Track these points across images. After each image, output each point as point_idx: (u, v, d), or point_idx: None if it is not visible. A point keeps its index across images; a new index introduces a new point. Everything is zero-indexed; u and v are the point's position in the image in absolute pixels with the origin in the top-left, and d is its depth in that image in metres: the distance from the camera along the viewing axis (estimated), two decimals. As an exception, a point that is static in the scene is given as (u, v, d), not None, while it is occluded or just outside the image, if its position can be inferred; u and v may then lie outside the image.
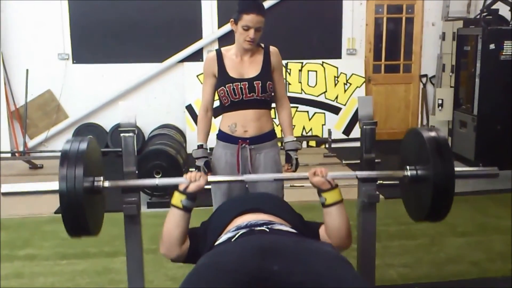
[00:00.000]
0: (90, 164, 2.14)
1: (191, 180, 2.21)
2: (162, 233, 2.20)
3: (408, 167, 2.38)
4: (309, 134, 7.23)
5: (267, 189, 2.83)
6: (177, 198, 2.19)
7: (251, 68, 2.82)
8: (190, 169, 2.34)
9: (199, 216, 2.38)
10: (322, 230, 2.25)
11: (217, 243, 1.97)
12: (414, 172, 2.35)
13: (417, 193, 2.38)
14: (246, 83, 2.77)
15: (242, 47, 2.78)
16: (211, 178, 2.37)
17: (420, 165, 2.31)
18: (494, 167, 2.47)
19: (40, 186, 2.25)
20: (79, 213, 2.06)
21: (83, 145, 2.12)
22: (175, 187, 2.25)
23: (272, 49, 2.88)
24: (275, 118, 3.03)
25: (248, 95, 2.78)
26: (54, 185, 2.09)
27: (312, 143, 7.25)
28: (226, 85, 2.77)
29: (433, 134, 2.28)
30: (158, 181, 2.37)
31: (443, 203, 2.23)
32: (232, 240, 1.87)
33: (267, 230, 1.90)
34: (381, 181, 4.71)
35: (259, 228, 1.92)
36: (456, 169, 2.23)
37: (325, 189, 2.22)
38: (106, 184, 2.24)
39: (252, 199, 2.38)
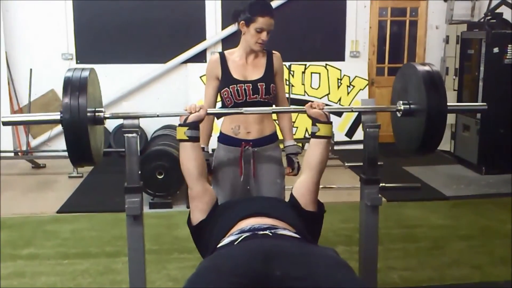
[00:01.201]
0: (92, 94, 2.18)
1: (191, 111, 2.35)
2: (181, 169, 2.33)
3: (401, 101, 2.46)
4: (312, 136, 7.20)
5: (270, 191, 2.83)
6: (181, 131, 2.33)
7: (255, 70, 2.82)
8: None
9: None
10: (295, 190, 2.36)
11: (220, 245, 1.97)
12: (407, 106, 2.43)
13: (409, 127, 2.45)
14: (250, 84, 2.78)
15: (251, 48, 2.78)
16: (210, 110, 2.48)
17: (414, 98, 2.38)
18: (483, 103, 2.59)
19: (43, 116, 2.30)
20: (83, 142, 2.12)
21: (85, 74, 2.15)
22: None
23: (275, 53, 2.90)
24: (275, 120, 3.03)
25: (252, 96, 2.78)
26: (57, 115, 2.11)
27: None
28: (230, 86, 2.78)
29: (426, 68, 2.32)
30: (159, 113, 2.44)
31: (435, 135, 2.32)
32: (235, 243, 1.87)
33: (270, 234, 1.90)
34: (383, 184, 4.71)
35: (262, 232, 1.91)
36: (448, 104, 2.30)
37: (321, 121, 2.38)
38: (107, 114, 2.32)
39: (257, 202, 2.39)
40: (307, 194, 2.32)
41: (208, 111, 2.42)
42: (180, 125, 2.35)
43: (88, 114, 2.13)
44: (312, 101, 2.43)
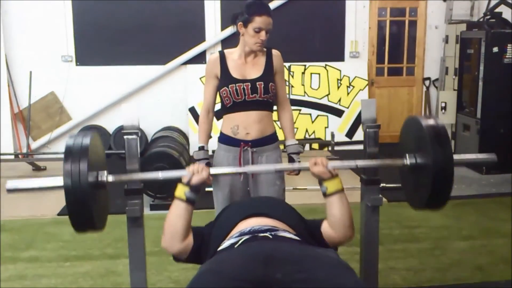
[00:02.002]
0: (94, 158, 2.15)
1: (193, 172, 2.23)
2: (164, 225, 2.20)
3: (407, 155, 2.38)
4: (312, 136, 7.22)
5: (270, 192, 2.83)
6: (181, 190, 2.21)
7: (254, 69, 2.82)
8: (192, 164, 2.34)
9: (200, 218, 2.38)
10: (324, 225, 2.24)
11: (220, 248, 1.97)
12: (414, 160, 2.36)
13: (417, 181, 2.39)
14: (249, 83, 2.77)
15: (250, 49, 2.78)
16: (213, 170, 2.37)
17: (419, 152, 2.33)
18: (492, 153, 2.49)
19: (45, 182, 2.25)
20: (85, 208, 2.06)
21: (87, 140, 2.13)
22: (179, 181, 2.26)
23: (275, 52, 2.89)
24: (276, 121, 3.03)
25: (251, 95, 2.78)
26: (59, 181, 2.10)
27: (315, 145, 7.25)
28: (229, 86, 2.77)
29: (431, 121, 2.30)
30: (161, 174, 2.37)
31: (443, 190, 2.25)
32: (235, 246, 1.86)
33: (270, 236, 1.89)
34: (384, 184, 4.71)
35: (262, 234, 1.91)
36: (455, 156, 2.25)
37: (326, 178, 2.24)
38: (110, 178, 2.25)
39: (257, 203, 2.38)
40: (333, 243, 2.22)
41: (211, 172, 2.31)
42: (182, 183, 2.24)
43: (90, 178, 2.07)
44: (315, 158, 2.29)
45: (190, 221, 2.20)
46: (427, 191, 2.25)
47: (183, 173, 2.25)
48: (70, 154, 2.08)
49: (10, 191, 2.20)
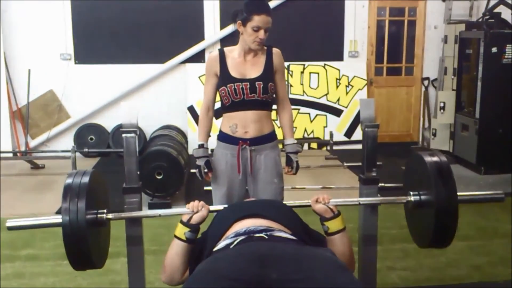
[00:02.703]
0: (93, 197, 2.15)
1: (193, 210, 2.24)
2: (164, 262, 2.23)
3: (411, 192, 2.37)
4: (311, 136, 7.22)
5: (268, 191, 2.83)
6: (181, 230, 2.22)
7: (253, 68, 2.81)
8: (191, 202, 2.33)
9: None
10: (330, 247, 2.20)
11: (215, 249, 1.97)
12: (418, 197, 2.34)
13: (421, 219, 2.36)
14: (248, 83, 2.77)
15: (249, 47, 2.78)
16: (212, 207, 2.36)
17: (423, 190, 2.30)
18: (499, 191, 2.47)
19: (44, 220, 2.28)
20: (82, 246, 2.07)
21: (86, 179, 2.13)
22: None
23: (275, 50, 2.88)
24: (276, 120, 3.03)
25: (250, 95, 2.77)
26: (58, 218, 2.10)
27: (314, 145, 7.25)
28: (228, 85, 2.77)
29: (435, 159, 2.28)
30: (161, 212, 2.38)
31: (447, 229, 2.22)
32: (231, 246, 1.86)
33: (266, 237, 1.89)
34: (382, 184, 4.71)
35: (258, 234, 1.91)
36: (459, 194, 2.22)
37: (328, 218, 2.24)
38: (110, 216, 2.25)
39: (252, 204, 2.38)
40: None
41: (210, 209, 2.31)
42: (182, 223, 2.24)
43: (89, 216, 2.07)
44: (317, 196, 2.29)
45: (189, 257, 2.22)
46: (430, 230, 2.23)
47: (183, 211, 2.27)
48: (69, 192, 2.08)
49: (10, 228, 2.23)
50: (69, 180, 2.13)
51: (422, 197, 2.31)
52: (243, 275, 1.55)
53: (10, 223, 2.21)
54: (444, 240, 2.27)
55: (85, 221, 2.04)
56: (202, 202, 2.28)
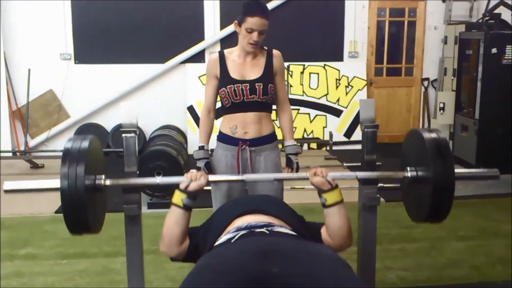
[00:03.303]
0: (92, 162, 2.15)
1: (191, 179, 2.23)
2: (162, 231, 2.20)
3: (408, 168, 2.38)
4: (310, 136, 7.23)
5: (267, 191, 2.83)
6: (178, 197, 2.21)
7: (253, 70, 2.81)
8: (191, 170, 2.33)
9: (199, 217, 2.38)
10: (323, 231, 2.25)
11: (216, 244, 1.97)
12: (415, 173, 2.35)
13: (418, 195, 2.38)
14: (248, 84, 2.77)
15: (245, 49, 2.78)
16: (212, 177, 2.37)
17: (421, 166, 2.32)
18: (494, 169, 2.48)
19: (42, 183, 2.27)
20: (80, 211, 2.07)
21: (85, 144, 2.13)
22: (176, 187, 2.25)
23: (275, 52, 2.88)
24: (275, 120, 3.03)
25: (249, 96, 2.77)
26: (56, 183, 2.10)
27: (313, 145, 7.25)
28: (227, 86, 2.77)
29: (433, 135, 2.29)
30: (159, 179, 2.37)
31: (443, 204, 2.24)
32: (232, 241, 1.87)
33: (267, 232, 1.90)
34: (381, 184, 4.71)
35: (259, 230, 1.91)
36: (456, 170, 2.24)
37: (326, 190, 2.24)
38: (108, 182, 2.25)
39: (253, 200, 2.38)
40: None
41: (209, 179, 2.32)
42: (179, 190, 2.24)
43: (87, 182, 2.07)
44: (315, 169, 2.30)
45: (187, 226, 2.20)
46: (427, 205, 2.24)
47: (182, 179, 2.25)
48: (68, 157, 2.08)
49: (7, 191, 2.21)
50: (69, 145, 2.13)
51: (419, 172, 2.32)
52: (244, 270, 1.56)
53: (7, 186, 2.21)
54: (440, 215, 2.29)
55: (84, 186, 2.04)
56: (201, 173, 2.28)
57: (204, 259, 1.75)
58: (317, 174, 2.26)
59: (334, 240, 2.21)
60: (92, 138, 2.21)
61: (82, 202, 2.05)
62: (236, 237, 1.88)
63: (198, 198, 2.24)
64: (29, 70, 6.68)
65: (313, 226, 2.27)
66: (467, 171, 2.45)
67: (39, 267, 3.60)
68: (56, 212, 4.66)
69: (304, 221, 2.27)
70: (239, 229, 1.96)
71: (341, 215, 2.22)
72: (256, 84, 2.77)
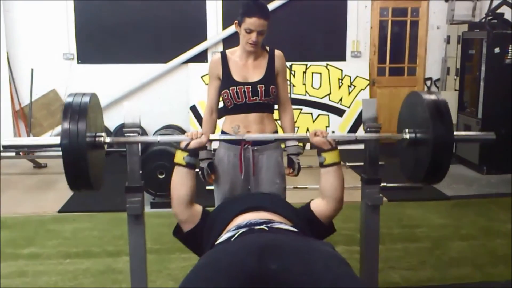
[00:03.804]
0: (93, 119, 2.16)
1: (192, 137, 2.29)
2: (171, 195, 2.28)
3: (407, 130, 2.41)
4: (313, 136, 7.21)
5: (270, 190, 2.83)
6: (180, 156, 2.27)
7: (255, 71, 2.82)
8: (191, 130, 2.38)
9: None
10: (313, 203, 2.31)
11: (217, 242, 1.98)
12: (413, 135, 2.38)
13: (416, 156, 2.40)
14: (250, 86, 2.77)
15: (245, 49, 2.78)
16: (212, 136, 2.46)
17: (420, 128, 2.34)
18: (491, 132, 2.51)
19: (42, 140, 2.29)
20: (82, 167, 2.09)
21: (86, 99, 2.14)
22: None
23: (277, 52, 2.88)
24: (278, 120, 3.03)
25: (251, 98, 2.78)
26: (56, 139, 2.11)
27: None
28: (230, 88, 2.78)
29: (432, 97, 2.30)
30: (160, 138, 2.42)
31: (441, 166, 2.27)
32: (232, 239, 1.88)
33: (267, 228, 1.91)
34: (384, 184, 4.71)
35: (258, 227, 1.92)
36: (455, 133, 2.27)
37: (326, 149, 2.31)
38: (108, 139, 2.29)
39: (253, 197, 2.39)
40: (325, 217, 2.30)
41: (210, 137, 2.39)
42: (180, 149, 2.29)
43: (88, 139, 2.08)
44: (315, 129, 2.37)
45: (193, 185, 2.27)
46: (425, 166, 2.28)
47: (182, 138, 2.31)
48: (69, 113, 2.09)
49: (5, 147, 2.22)
50: (70, 100, 2.14)
51: (418, 134, 2.36)
52: (243, 267, 1.56)
53: (5, 142, 2.21)
54: (437, 176, 2.33)
55: (85, 143, 2.06)
56: (201, 131, 2.35)
57: (204, 257, 1.76)
58: (317, 135, 2.34)
59: (328, 203, 2.28)
60: (92, 95, 2.22)
61: (84, 158, 2.07)
62: (236, 235, 1.89)
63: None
64: (32, 70, 6.69)
65: (304, 208, 2.32)
66: (466, 133, 2.49)
67: (43, 267, 3.61)
68: (60, 211, 4.67)
69: (298, 211, 2.30)
70: (239, 227, 1.97)
71: (338, 176, 2.30)
72: (258, 86, 2.78)
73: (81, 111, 2.09)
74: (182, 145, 2.29)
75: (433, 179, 2.36)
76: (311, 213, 2.29)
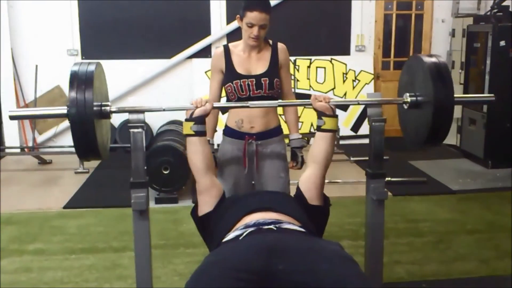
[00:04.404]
0: (98, 88, 2.19)
1: (196, 105, 2.37)
2: (189, 163, 2.35)
3: (408, 94, 2.44)
4: (317, 130, 7.19)
5: (274, 185, 2.83)
6: (187, 126, 2.35)
7: (259, 64, 2.81)
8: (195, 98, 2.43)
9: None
10: (301, 182, 2.36)
11: (224, 240, 1.98)
12: (414, 98, 2.42)
13: (416, 119, 2.42)
14: (254, 79, 2.77)
15: (248, 43, 2.78)
16: (216, 104, 2.50)
17: (420, 90, 2.36)
18: (491, 94, 2.56)
19: (49, 110, 2.32)
20: (90, 136, 2.12)
21: (91, 68, 2.16)
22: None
23: (280, 45, 2.88)
24: (282, 114, 3.02)
25: (255, 91, 2.78)
26: (62, 110, 2.15)
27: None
28: (234, 82, 2.77)
29: (433, 59, 2.31)
30: (165, 106, 2.46)
31: (442, 128, 2.31)
32: (240, 238, 1.87)
33: (275, 229, 1.90)
34: (389, 178, 4.70)
35: (267, 227, 1.92)
36: (455, 95, 2.29)
37: (327, 114, 2.38)
38: (114, 108, 2.34)
39: (262, 197, 2.39)
40: (313, 188, 2.32)
41: (214, 105, 2.44)
42: (186, 119, 2.36)
43: (95, 108, 2.13)
44: (317, 94, 2.43)
45: (208, 151, 2.35)
46: (426, 129, 2.31)
47: (187, 107, 2.39)
48: (76, 82, 2.11)
49: (12, 117, 2.25)
50: (75, 69, 2.15)
51: (419, 97, 2.39)
52: (250, 266, 1.56)
53: (12, 113, 2.24)
54: (438, 138, 2.37)
55: (92, 112, 2.10)
56: (206, 99, 2.41)
57: (211, 255, 1.76)
58: (319, 100, 2.41)
59: (316, 167, 2.34)
60: (97, 64, 2.24)
61: (91, 127, 2.11)
62: (244, 234, 1.88)
63: (206, 128, 2.34)
64: (36, 66, 6.70)
65: (297, 194, 2.36)
66: (466, 96, 2.55)
67: (48, 262, 3.62)
68: (64, 207, 4.68)
69: (292, 198, 2.35)
70: (247, 226, 1.97)
71: (331, 143, 2.40)
72: (262, 79, 2.78)
73: (87, 80, 2.12)
74: (188, 114, 2.36)
75: (435, 140, 2.40)
76: (302, 196, 2.32)
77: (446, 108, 2.27)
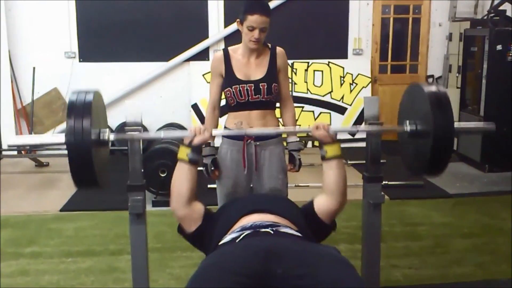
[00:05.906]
0: (96, 116, 2.17)
1: (195, 133, 2.30)
2: (171, 189, 2.28)
3: (408, 122, 2.40)
4: (315, 134, 7.20)
5: (272, 186, 2.84)
6: (183, 152, 2.29)
7: (257, 69, 2.83)
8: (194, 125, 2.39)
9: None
10: (317, 203, 2.30)
11: (221, 242, 1.98)
12: (414, 127, 2.38)
13: (417, 147, 2.39)
14: (252, 85, 2.79)
15: (248, 47, 2.79)
16: (215, 132, 2.47)
17: (420, 119, 2.33)
18: (491, 122, 2.53)
19: (47, 138, 2.29)
20: (88, 165, 2.09)
21: (89, 97, 2.14)
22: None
23: (279, 50, 2.89)
24: (279, 117, 3.03)
25: (254, 96, 2.80)
26: (61, 138, 2.13)
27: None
28: (233, 87, 2.79)
29: (433, 88, 2.30)
30: (163, 134, 2.42)
31: (442, 158, 2.27)
32: (237, 241, 1.87)
33: (272, 232, 1.90)
34: (386, 182, 4.71)
35: (264, 229, 1.92)
36: (456, 124, 2.27)
37: (327, 142, 2.33)
38: (112, 136, 2.28)
39: (259, 199, 2.39)
40: (329, 214, 2.29)
41: (212, 133, 2.41)
42: (183, 145, 2.31)
43: (93, 136, 2.09)
44: (317, 123, 2.39)
45: (195, 182, 2.28)
46: (426, 158, 2.27)
47: (186, 134, 2.34)
48: (73, 111, 2.09)
49: (11, 146, 2.22)
50: (73, 98, 2.13)
51: (419, 126, 2.35)
52: (248, 270, 1.57)
53: (10, 141, 2.22)
54: (439, 168, 2.32)
55: (90, 140, 2.06)
56: (205, 126, 2.36)
57: (208, 258, 1.76)
58: (319, 128, 2.35)
59: (331, 198, 2.27)
60: (96, 92, 2.22)
61: (89, 156, 2.07)
62: (241, 237, 1.88)
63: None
64: (33, 68, 6.69)
65: (307, 207, 2.31)
66: (466, 124, 2.51)
67: (44, 266, 3.61)
68: (61, 210, 4.67)
69: (302, 211, 2.30)
70: (243, 228, 1.96)
71: (340, 169, 2.32)
72: (261, 84, 2.80)
73: (85, 109, 2.10)
74: (186, 141, 2.31)
75: (435, 171, 2.36)
76: (314, 213, 2.27)
77: (446, 138, 2.22)
